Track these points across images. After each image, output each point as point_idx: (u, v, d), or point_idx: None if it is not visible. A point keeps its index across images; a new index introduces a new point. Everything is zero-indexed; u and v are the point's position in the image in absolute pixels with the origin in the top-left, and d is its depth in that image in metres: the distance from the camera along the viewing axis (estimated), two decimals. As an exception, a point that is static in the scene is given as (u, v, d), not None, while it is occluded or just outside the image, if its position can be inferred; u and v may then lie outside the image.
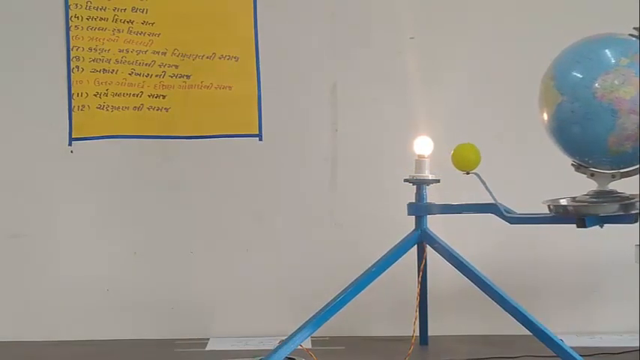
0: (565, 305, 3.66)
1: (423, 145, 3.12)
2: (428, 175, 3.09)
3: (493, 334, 3.52)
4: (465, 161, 2.87)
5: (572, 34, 2.68)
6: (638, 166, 2.60)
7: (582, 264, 3.66)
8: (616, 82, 2.43)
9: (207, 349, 3.43)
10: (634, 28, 2.55)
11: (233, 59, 3.60)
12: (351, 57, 3.65)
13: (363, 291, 3.00)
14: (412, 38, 3.64)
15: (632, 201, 2.61)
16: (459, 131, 3.32)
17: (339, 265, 3.50)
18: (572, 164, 2.64)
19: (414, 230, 3.07)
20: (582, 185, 2.78)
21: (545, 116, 2.58)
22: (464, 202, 3.00)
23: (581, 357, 2.86)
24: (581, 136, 2.52)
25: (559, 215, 2.73)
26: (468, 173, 2.86)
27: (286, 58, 3.65)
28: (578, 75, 2.48)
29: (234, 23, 3.61)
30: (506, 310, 2.94)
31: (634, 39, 2.53)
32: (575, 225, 2.74)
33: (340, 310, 2.97)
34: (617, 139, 2.47)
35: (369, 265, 3.05)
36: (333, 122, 3.67)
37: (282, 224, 3.65)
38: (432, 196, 3.11)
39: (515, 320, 2.94)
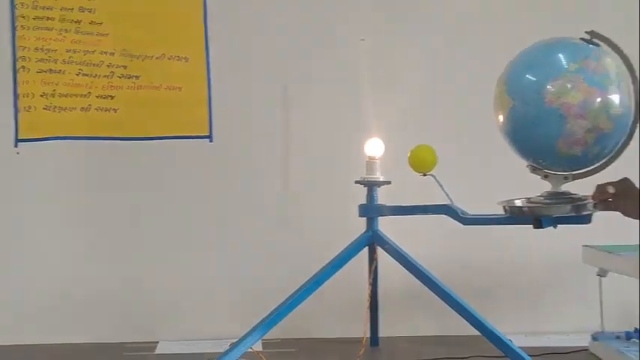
0: (515, 306, 3.70)
1: (374, 147, 3.12)
2: (379, 176, 3.10)
3: (444, 335, 3.54)
4: (422, 162, 2.88)
5: (528, 36, 2.70)
6: (590, 169, 2.63)
7: (532, 265, 3.70)
8: (564, 87, 2.45)
9: (156, 352, 3.40)
10: (586, 32, 2.57)
11: (183, 60, 3.58)
12: (302, 58, 3.64)
13: (314, 293, 2.99)
14: (363, 40, 3.64)
15: (584, 202, 2.65)
16: (412, 133, 3.33)
17: (290, 267, 3.49)
18: (528, 166, 2.67)
19: (365, 232, 3.07)
20: (538, 186, 2.80)
21: (500, 119, 2.60)
22: (416, 204, 3.01)
23: (529, 357, 2.89)
24: (532, 139, 2.54)
25: (514, 216, 2.75)
26: (424, 175, 2.87)
27: (237, 58, 3.63)
28: (529, 79, 2.51)
29: (184, 23, 3.58)
30: (456, 311, 2.95)
31: (586, 44, 2.55)
32: (525, 226, 2.76)
33: (291, 312, 2.97)
34: (566, 143, 2.50)
35: (321, 267, 3.04)
36: (284, 123, 3.66)
37: (233, 226, 3.63)
38: (389, 197, 3.11)
39: (465, 320, 2.96)
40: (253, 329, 2.94)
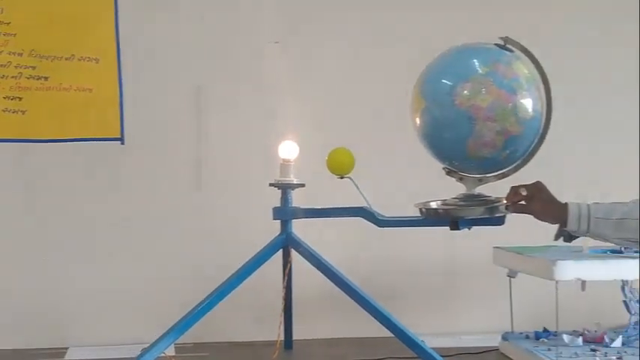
0: (427, 307, 3.73)
1: (288, 150, 3.11)
2: (293, 179, 3.09)
3: (358, 337, 3.55)
4: (340, 165, 2.88)
5: (442, 40, 2.72)
6: (503, 171, 2.67)
7: (444, 266, 3.74)
8: (474, 89, 2.48)
9: (66, 358, 3.34)
10: (500, 38, 2.61)
11: (93, 61, 3.52)
12: (216, 60, 3.62)
13: (228, 296, 2.97)
14: (277, 42, 3.64)
15: (496, 204, 2.68)
16: (328, 135, 3.34)
17: (204, 270, 3.46)
18: (444, 168, 2.69)
19: (279, 234, 3.06)
20: (456, 188, 2.82)
21: (415, 121, 2.62)
22: (331, 206, 3.01)
23: (441, 357, 2.92)
24: (444, 141, 2.56)
25: (430, 218, 2.77)
26: (342, 177, 2.87)
27: (149, 59, 3.59)
28: (441, 82, 2.52)
29: (94, 24, 3.52)
30: (369, 313, 2.96)
31: (499, 49, 2.59)
32: (439, 228, 2.79)
33: (205, 316, 2.94)
34: (476, 146, 2.52)
35: (235, 270, 3.02)
36: (197, 125, 3.63)
37: (145, 229, 3.59)
38: (305, 199, 3.11)
39: (378, 322, 2.97)
40: (166, 334, 2.90)
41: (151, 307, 3.54)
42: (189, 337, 3.03)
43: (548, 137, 2.59)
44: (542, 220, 2.21)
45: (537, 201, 2.22)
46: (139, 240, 3.58)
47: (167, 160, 3.60)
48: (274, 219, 3.08)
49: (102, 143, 3.53)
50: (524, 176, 2.70)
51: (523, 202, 2.25)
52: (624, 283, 3.24)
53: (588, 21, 3.84)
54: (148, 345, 2.92)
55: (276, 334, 3.04)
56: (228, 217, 3.60)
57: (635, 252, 3.15)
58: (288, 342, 3.30)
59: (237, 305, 3.31)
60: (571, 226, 2.13)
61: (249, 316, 3.60)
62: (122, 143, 3.53)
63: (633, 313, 3.27)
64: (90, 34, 3.52)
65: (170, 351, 3.15)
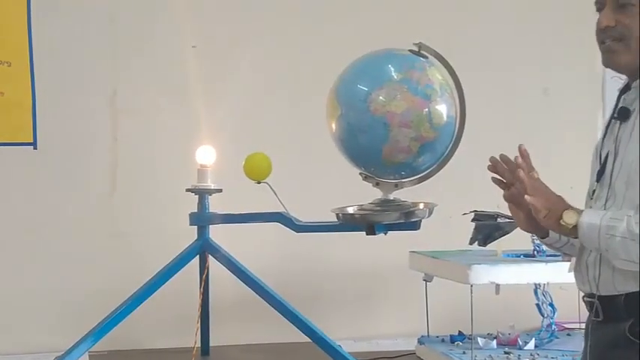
0: (344, 312, 3.75)
1: (205, 155, 3.10)
2: (210, 184, 3.07)
3: (275, 343, 3.55)
4: (257, 170, 2.87)
5: (358, 45, 2.74)
6: (418, 176, 2.70)
7: (360, 271, 3.77)
8: (389, 96, 2.50)
9: (-25, 368, 3.26)
10: (414, 44, 2.63)
11: (5, 64, 3.45)
12: (131, 64, 3.58)
13: (144, 302, 2.94)
14: (194, 47, 3.62)
15: (411, 209, 2.71)
16: (245, 140, 3.33)
17: (120, 277, 3.41)
18: (360, 173, 2.71)
19: (196, 240, 3.04)
20: (373, 194, 2.84)
21: (331, 127, 2.63)
22: (248, 212, 3.00)
23: (357, 361, 2.94)
24: (359, 147, 2.58)
25: (347, 223, 2.79)
26: (259, 183, 2.86)
27: (63, 63, 3.53)
28: (356, 88, 2.54)
29: (5, 27, 3.45)
30: (287, 318, 2.97)
31: (413, 55, 2.61)
32: (356, 232, 2.81)
33: (121, 323, 2.90)
34: (391, 151, 2.54)
35: (151, 276, 3.00)
36: (112, 130, 3.59)
37: (58, 235, 3.53)
38: (227, 205, 3.09)
39: (296, 328, 2.97)
40: (80, 341, 2.86)
41: (65, 314, 3.48)
42: (103, 344, 2.99)
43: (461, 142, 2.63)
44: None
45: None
46: (52, 246, 3.52)
47: (81, 165, 3.55)
48: (191, 225, 3.06)
49: (14, 148, 3.46)
50: (440, 181, 2.75)
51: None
52: (537, 287, 3.31)
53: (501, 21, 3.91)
54: (61, 353, 2.87)
55: (193, 340, 3.02)
56: (144, 223, 3.56)
57: (548, 256, 3.22)
58: (205, 348, 3.27)
59: (153, 312, 3.28)
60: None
61: (166, 323, 3.56)
62: (35, 148, 3.47)
63: (545, 315, 3.34)
64: (1, 37, 3.45)
65: (84, 359, 3.10)
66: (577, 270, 2.00)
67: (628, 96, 1.98)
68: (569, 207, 1.90)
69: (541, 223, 1.94)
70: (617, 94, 2.04)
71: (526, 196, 1.92)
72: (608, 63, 1.97)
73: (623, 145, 1.94)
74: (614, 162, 1.94)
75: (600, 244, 1.87)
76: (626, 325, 1.88)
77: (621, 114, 1.97)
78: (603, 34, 1.95)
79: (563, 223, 1.89)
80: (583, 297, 2.00)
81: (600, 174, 1.97)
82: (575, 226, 1.88)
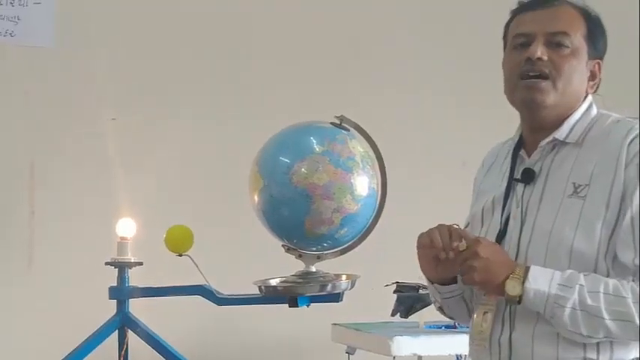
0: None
1: (125, 227, 3.06)
2: (130, 257, 3.03)
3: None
4: (179, 242, 2.85)
5: (282, 118, 2.76)
6: (340, 248, 2.70)
7: (284, 344, 3.74)
8: (311, 168, 2.52)
9: None
10: (335, 117, 2.66)
11: None
12: (50, 137, 3.54)
13: (60, 381, 2.86)
14: (114, 119, 3.60)
15: (334, 281, 2.71)
16: (166, 212, 3.30)
17: (37, 353, 3.33)
18: (283, 245, 2.70)
19: (115, 315, 2.99)
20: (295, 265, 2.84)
21: (253, 199, 2.63)
22: (169, 285, 2.96)
23: None
24: (282, 219, 2.58)
25: (269, 295, 2.77)
26: (180, 255, 2.84)
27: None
28: (278, 160, 2.55)
29: None
30: (208, 394, 2.92)
31: (334, 127, 2.64)
32: (279, 305, 2.79)
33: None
34: (313, 223, 2.55)
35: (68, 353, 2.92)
36: (30, 204, 3.53)
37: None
38: (148, 279, 3.04)
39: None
40: (-8, 422, 2.75)
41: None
42: None
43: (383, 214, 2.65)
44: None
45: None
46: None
47: (-3, 238, 3.48)
48: (110, 298, 3.00)
49: None
50: (362, 253, 2.76)
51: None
52: (459, 358, 3.32)
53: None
54: None
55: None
56: (61, 298, 3.49)
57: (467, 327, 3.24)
58: None
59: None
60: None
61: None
62: (-51, 221, 3.39)
63: (468, 386, 3.35)
64: None
65: None
66: (480, 345, 1.91)
67: (533, 156, 1.93)
68: (510, 274, 1.80)
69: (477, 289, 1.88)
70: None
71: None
72: (530, 101, 1.88)
73: (531, 210, 1.88)
74: (521, 228, 1.88)
75: (546, 312, 1.80)
76: None
77: (525, 176, 1.91)
78: (529, 66, 1.87)
79: (506, 296, 1.80)
80: None
81: (501, 236, 1.91)
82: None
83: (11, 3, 3.47)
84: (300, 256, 2.72)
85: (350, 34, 3.96)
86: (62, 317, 3.47)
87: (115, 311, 3.00)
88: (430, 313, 3.22)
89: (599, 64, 1.95)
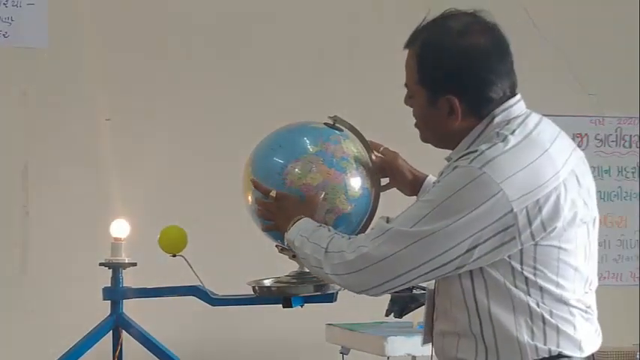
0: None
1: (119, 228, 3.06)
2: (124, 258, 3.03)
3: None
4: (173, 243, 2.85)
5: (276, 119, 2.76)
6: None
7: (278, 345, 3.74)
8: (304, 168, 2.52)
9: None
10: (329, 117, 2.66)
11: None
12: (44, 138, 3.54)
13: (54, 382, 2.87)
14: (108, 120, 3.60)
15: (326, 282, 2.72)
16: (160, 213, 3.31)
17: (32, 354, 3.33)
18: (276, 246, 2.70)
19: (109, 315, 2.99)
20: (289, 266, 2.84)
21: (247, 199, 2.63)
22: (164, 286, 2.96)
23: None
24: (275, 219, 2.58)
25: (263, 296, 2.77)
26: (174, 256, 2.84)
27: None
28: (271, 162, 2.55)
29: None
30: (203, 395, 2.93)
31: (327, 128, 2.64)
32: (273, 305, 2.79)
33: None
34: (307, 224, 2.55)
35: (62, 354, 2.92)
36: (24, 204, 3.53)
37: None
38: (142, 279, 3.04)
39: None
40: None
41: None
42: None
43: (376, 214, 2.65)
44: None
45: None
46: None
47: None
48: (104, 299, 3.01)
49: None
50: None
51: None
52: (453, 357, 3.32)
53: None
54: None
55: (106, 419, 2.95)
56: (56, 299, 3.49)
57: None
58: None
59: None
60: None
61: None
62: (-57, 224, 3.39)
63: (461, 386, 3.35)
64: None
65: None
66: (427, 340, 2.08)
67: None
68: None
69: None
70: None
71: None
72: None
73: None
74: None
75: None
76: None
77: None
78: None
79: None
80: None
81: None
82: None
83: (5, 4, 3.47)
84: (293, 257, 2.72)
85: (344, 34, 3.97)
86: (56, 318, 3.47)
87: (109, 312, 3.00)
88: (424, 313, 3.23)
89: (448, 99, 2.06)
